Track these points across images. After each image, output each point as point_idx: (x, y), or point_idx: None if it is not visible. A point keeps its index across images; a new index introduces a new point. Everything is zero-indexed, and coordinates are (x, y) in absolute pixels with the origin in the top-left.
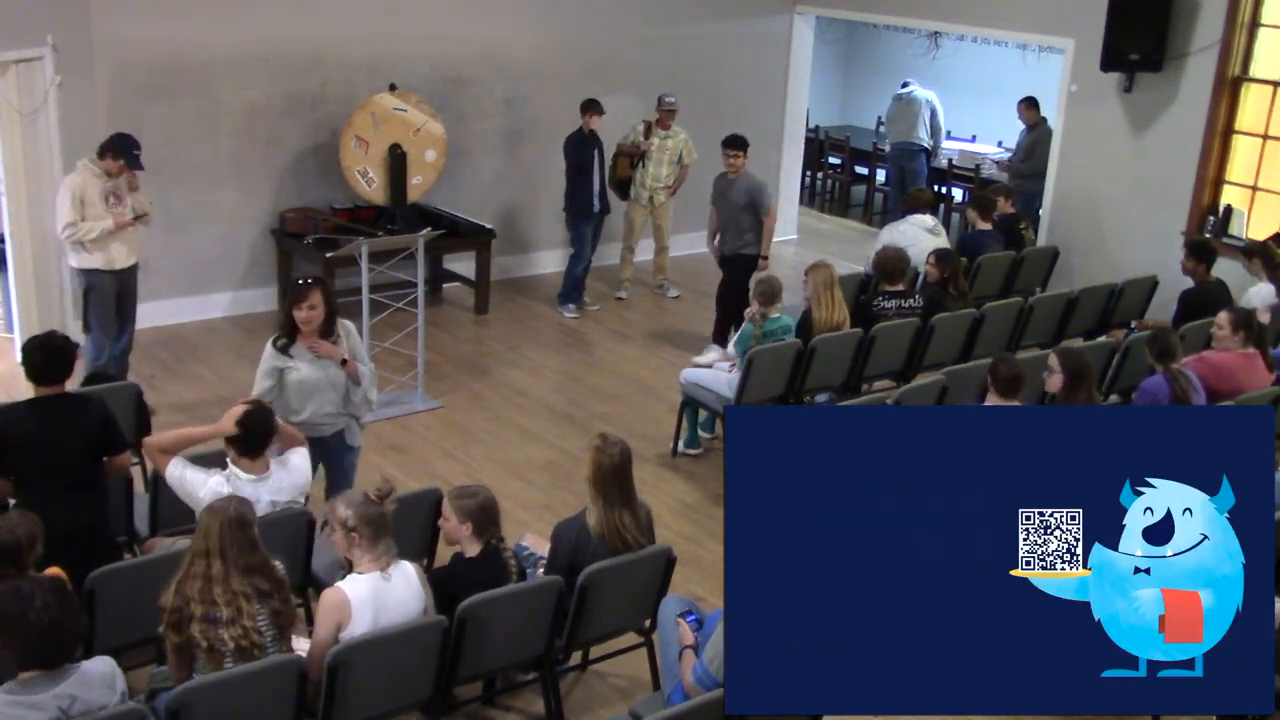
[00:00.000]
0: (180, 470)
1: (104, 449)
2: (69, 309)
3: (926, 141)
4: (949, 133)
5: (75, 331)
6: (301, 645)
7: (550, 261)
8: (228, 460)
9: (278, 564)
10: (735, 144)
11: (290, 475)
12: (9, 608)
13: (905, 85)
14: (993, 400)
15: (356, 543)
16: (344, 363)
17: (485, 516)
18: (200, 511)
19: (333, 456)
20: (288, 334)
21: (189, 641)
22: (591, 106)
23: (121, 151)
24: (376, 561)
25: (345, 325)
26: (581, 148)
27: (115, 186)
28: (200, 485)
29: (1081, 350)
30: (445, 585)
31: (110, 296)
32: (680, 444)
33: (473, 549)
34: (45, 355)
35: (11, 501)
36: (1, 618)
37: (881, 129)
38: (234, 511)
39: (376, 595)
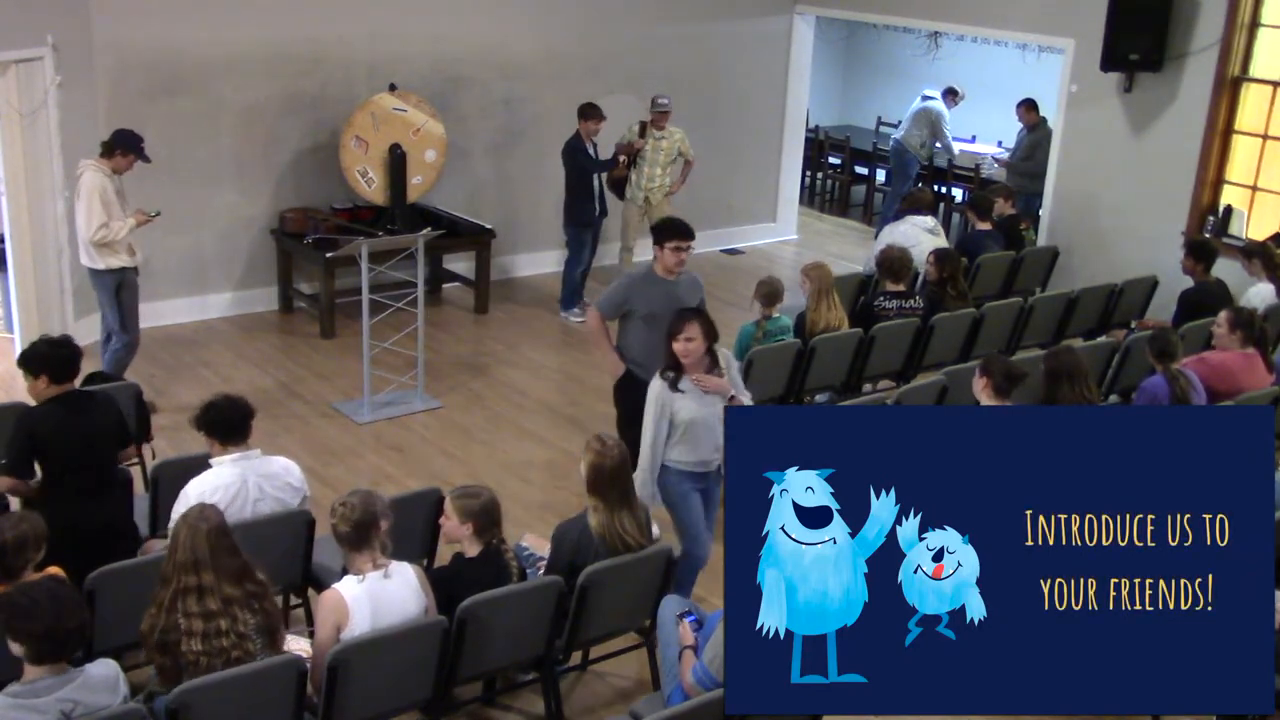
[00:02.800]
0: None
1: (124, 442)
2: (69, 309)
3: (918, 152)
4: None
5: (79, 332)
6: (302, 646)
7: (550, 261)
8: (210, 461)
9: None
10: (687, 233)
11: (271, 465)
12: (19, 603)
13: (926, 97)
14: (988, 401)
15: (345, 545)
16: (730, 397)
17: (487, 517)
18: (175, 525)
19: (711, 490)
20: (674, 366)
21: (178, 662)
22: (590, 112)
23: (131, 146)
24: (369, 563)
25: (725, 355)
26: (580, 159)
27: (121, 185)
28: (190, 484)
29: (1061, 350)
30: (446, 585)
31: (137, 290)
32: None
33: (473, 549)
34: (64, 351)
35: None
36: (12, 614)
37: (882, 129)
38: (214, 520)
39: (373, 594)
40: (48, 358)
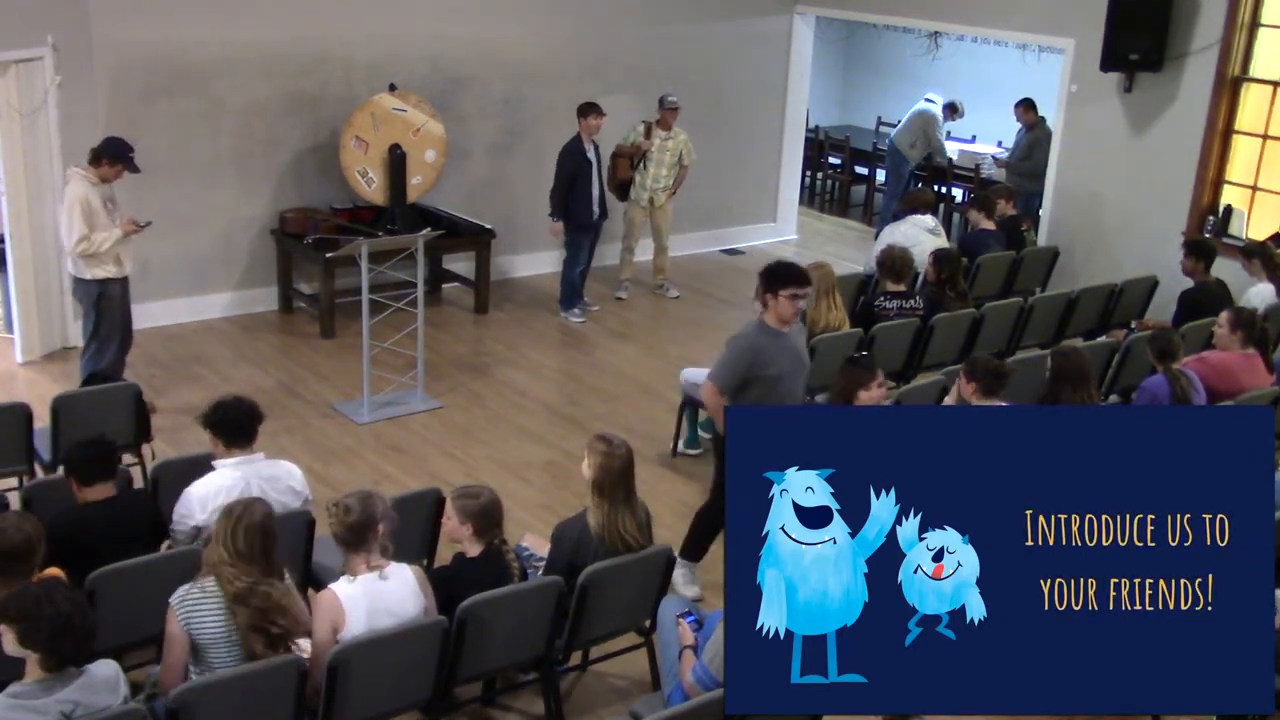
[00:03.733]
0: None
1: (160, 532)
2: (69, 309)
3: (908, 153)
4: (949, 133)
5: (78, 333)
6: (302, 646)
7: (549, 261)
8: (213, 463)
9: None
10: (805, 278)
11: (274, 469)
12: (31, 609)
13: (927, 100)
14: (977, 403)
15: (341, 546)
16: None
17: (487, 518)
18: (221, 516)
19: None
20: None
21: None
22: (589, 110)
23: (118, 156)
24: (364, 564)
25: None
26: (579, 162)
27: (110, 193)
28: (192, 487)
29: (1069, 351)
30: (446, 585)
31: (119, 302)
32: (680, 444)
33: (474, 549)
34: (98, 451)
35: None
36: (26, 620)
37: (882, 129)
38: (259, 514)
39: (369, 594)
40: (76, 459)
